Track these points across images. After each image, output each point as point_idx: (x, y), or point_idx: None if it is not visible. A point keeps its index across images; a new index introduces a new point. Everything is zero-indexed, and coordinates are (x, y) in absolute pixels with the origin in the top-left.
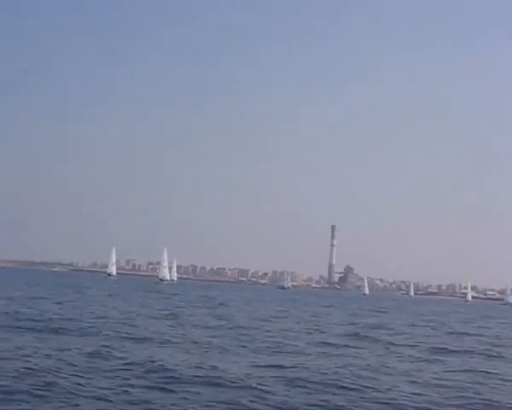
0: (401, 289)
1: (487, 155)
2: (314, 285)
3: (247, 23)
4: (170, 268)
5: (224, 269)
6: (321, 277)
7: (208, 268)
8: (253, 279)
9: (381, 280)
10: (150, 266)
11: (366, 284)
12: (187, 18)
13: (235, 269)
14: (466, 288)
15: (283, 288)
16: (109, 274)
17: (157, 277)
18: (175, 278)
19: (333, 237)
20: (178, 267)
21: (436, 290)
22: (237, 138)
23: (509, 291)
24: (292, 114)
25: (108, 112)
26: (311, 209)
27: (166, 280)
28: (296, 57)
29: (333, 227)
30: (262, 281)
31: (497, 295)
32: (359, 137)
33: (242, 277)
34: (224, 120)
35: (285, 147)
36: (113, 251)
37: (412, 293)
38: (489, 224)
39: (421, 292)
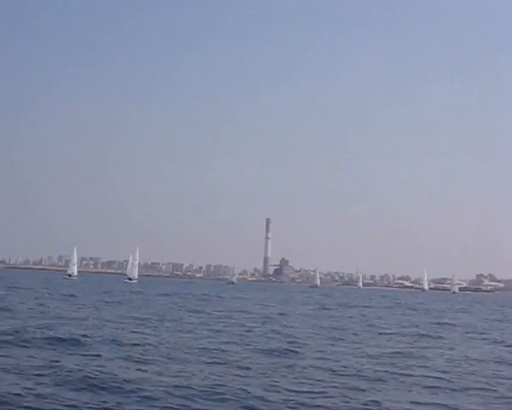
0: (335, 281)
1: None
2: (250, 278)
3: None
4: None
5: (158, 264)
6: (255, 269)
7: (142, 263)
8: (189, 273)
9: (315, 272)
10: (83, 262)
11: (318, 276)
12: None
13: (169, 263)
14: (400, 278)
15: (233, 283)
16: (70, 275)
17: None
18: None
19: (267, 230)
20: (112, 262)
21: (371, 281)
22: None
23: (455, 281)
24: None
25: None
26: (245, 203)
27: (135, 279)
28: None
29: (268, 220)
30: (198, 275)
31: (432, 285)
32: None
33: (177, 271)
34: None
35: (218, 143)
36: (75, 251)
37: (361, 284)
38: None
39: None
